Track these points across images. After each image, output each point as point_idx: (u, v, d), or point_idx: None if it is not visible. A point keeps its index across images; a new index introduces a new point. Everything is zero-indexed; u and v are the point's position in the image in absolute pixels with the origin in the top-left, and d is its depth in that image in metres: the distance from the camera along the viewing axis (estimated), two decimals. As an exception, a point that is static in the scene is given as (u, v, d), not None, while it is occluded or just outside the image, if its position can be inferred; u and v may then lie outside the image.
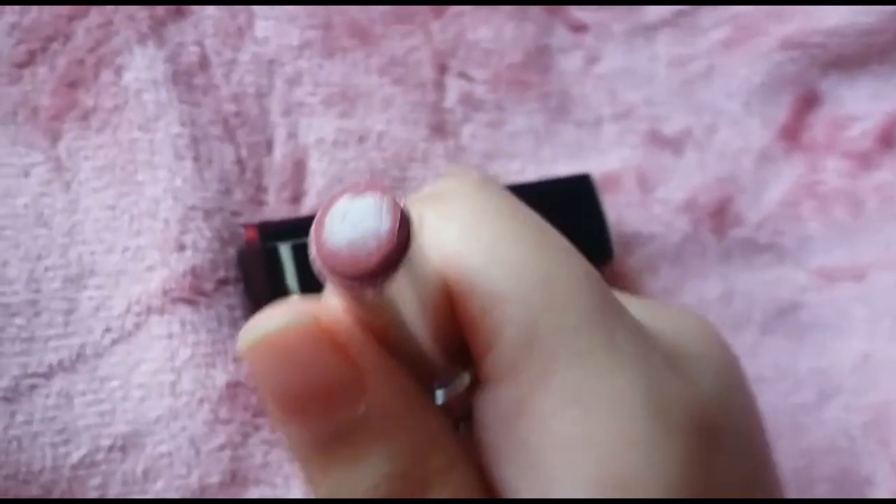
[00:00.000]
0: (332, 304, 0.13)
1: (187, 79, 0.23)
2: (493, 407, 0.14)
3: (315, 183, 0.23)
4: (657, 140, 0.26)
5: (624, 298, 0.15)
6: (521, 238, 0.13)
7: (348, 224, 0.11)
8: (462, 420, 0.14)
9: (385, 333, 0.13)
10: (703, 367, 0.14)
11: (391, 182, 0.24)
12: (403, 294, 0.12)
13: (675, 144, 0.26)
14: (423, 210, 0.14)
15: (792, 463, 0.25)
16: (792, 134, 0.27)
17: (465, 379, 0.14)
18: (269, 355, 0.13)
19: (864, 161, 0.27)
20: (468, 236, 0.13)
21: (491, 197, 0.14)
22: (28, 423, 0.20)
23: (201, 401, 0.21)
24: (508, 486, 0.14)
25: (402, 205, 0.11)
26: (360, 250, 0.11)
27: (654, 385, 0.13)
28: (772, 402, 0.25)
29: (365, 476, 0.13)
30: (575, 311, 0.13)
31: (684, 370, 0.14)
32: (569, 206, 0.23)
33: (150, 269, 0.21)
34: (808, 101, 0.27)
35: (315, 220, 0.11)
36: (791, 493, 0.25)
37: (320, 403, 0.13)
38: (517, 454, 0.13)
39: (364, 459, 0.13)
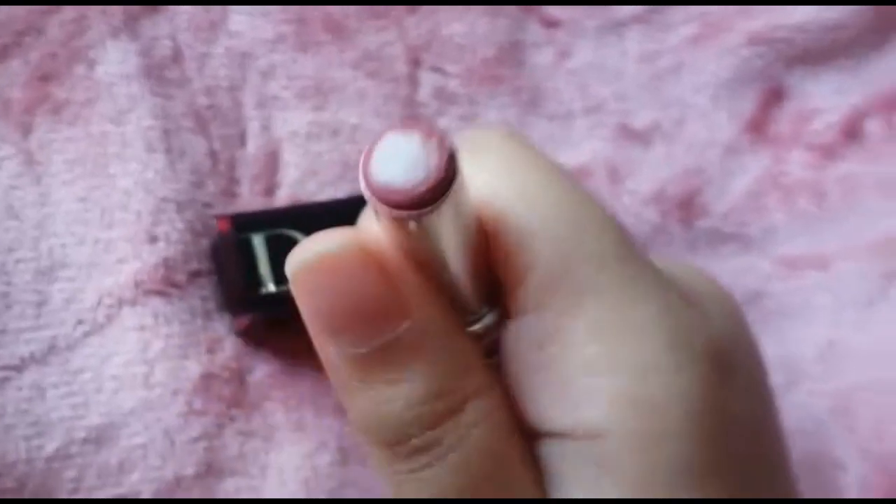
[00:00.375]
0: (375, 233, 0.14)
1: (160, 72, 0.23)
2: (523, 337, 0.14)
3: (288, 175, 0.23)
4: (627, 133, 0.27)
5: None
6: (549, 181, 0.14)
7: (398, 157, 0.12)
8: (488, 357, 0.15)
9: (424, 264, 0.14)
10: (713, 306, 0.15)
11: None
12: (446, 225, 0.13)
13: (644, 137, 0.27)
14: None
15: (760, 449, 0.25)
16: (758, 127, 0.27)
17: (492, 317, 0.15)
18: (318, 275, 0.13)
19: (828, 153, 0.27)
20: (500, 180, 0.14)
21: (520, 146, 0.15)
22: (0, 415, 0.20)
23: (175, 392, 0.21)
24: (535, 410, 0.14)
25: (448, 140, 0.12)
26: (410, 181, 0.12)
27: (675, 316, 0.14)
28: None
29: (405, 392, 0.14)
30: (602, 247, 0.14)
31: (697, 307, 0.15)
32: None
33: (122, 261, 0.21)
34: (774, 95, 0.28)
35: (363, 154, 0.12)
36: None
37: (365, 322, 0.13)
38: (546, 379, 0.14)
39: (404, 376, 0.14)
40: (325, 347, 0.14)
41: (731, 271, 0.26)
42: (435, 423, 0.14)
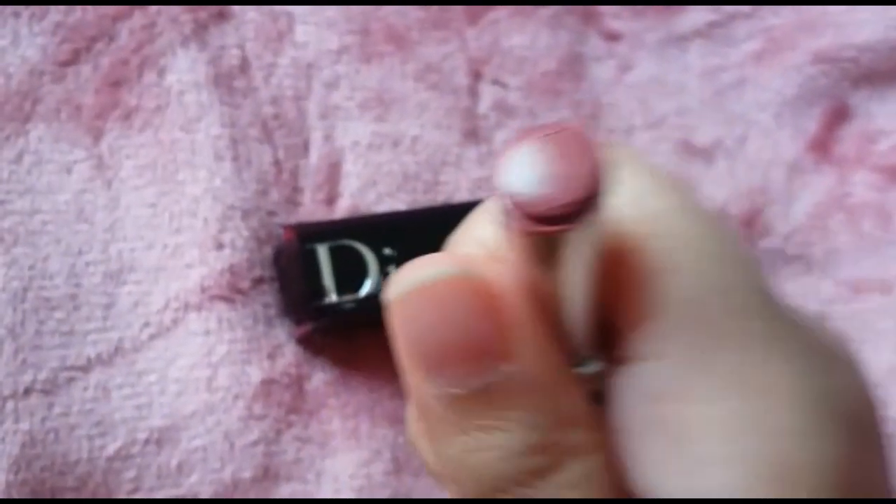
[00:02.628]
0: (483, 261, 0.13)
1: (228, 81, 0.23)
2: (639, 386, 0.13)
3: (349, 185, 0.24)
4: (688, 149, 0.26)
5: None
6: (693, 213, 0.13)
7: (537, 164, 0.11)
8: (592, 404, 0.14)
9: (541, 297, 0.12)
10: (846, 366, 0.14)
11: (424, 186, 0.24)
12: (579, 250, 0.11)
13: (706, 154, 0.26)
14: None
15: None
16: (822, 146, 0.27)
17: (597, 365, 0.14)
18: (417, 305, 0.12)
19: (894, 175, 0.27)
20: (640, 202, 0.13)
21: (651, 167, 0.13)
22: (65, 415, 0.20)
23: (236, 397, 0.21)
24: (646, 469, 0.13)
25: (595, 147, 0.11)
26: (552, 192, 0.11)
27: (814, 376, 0.13)
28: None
29: (503, 442, 0.12)
30: (743, 293, 0.12)
31: (836, 365, 0.13)
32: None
33: (189, 266, 0.22)
34: (839, 115, 0.27)
35: (502, 157, 0.11)
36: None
37: (466, 360, 0.12)
38: (663, 435, 0.13)
39: (503, 424, 0.12)
40: (419, 385, 0.13)
41: (794, 293, 0.26)
42: (531, 480, 0.13)
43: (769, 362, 0.12)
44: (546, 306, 0.12)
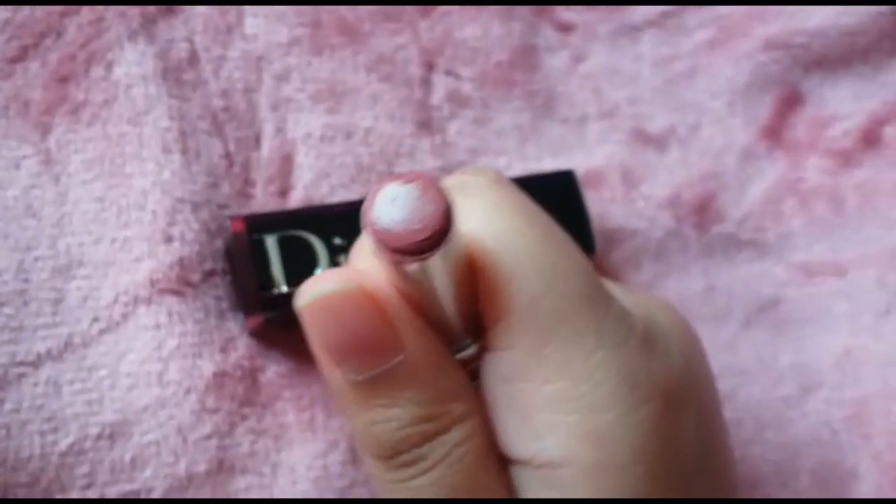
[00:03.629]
0: (371, 273, 0.16)
1: (177, 74, 0.23)
2: (496, 369, 0.16)
3: (302, 177, 0.24)
4: (641, 138, 0.27)
5: (605, 283, 0.17)
6: (529, 229, 0.16)
7: (398, 206, 0.13)
8: (472, 380, 0.17)
9: (418, 300, 0.15)
10: (671, 343, 0.17)
11: (377, 178, 0.24)
12: (439, 269, 0.14)
13: (658, 142, 0.27)
14: None
15: (775, 455, 0.25)
16: (774, 132, 0.27)
17: (474, 349, 0.17)
18: (322, 313, 0.15)
19: (846, 159, 0.27)
20: (485, 225, 0.16)
21: (505, 193, 0.16)
22: (16, 410, 0.20)
23: (188, 390, 0.21)
24: (504, 439, 0.16)
25: (445, 192, 0.13)
26: (409, 230, 0.13)
27: (628, 363, 0.16)
28: (755, 395, 0.25)
29: (399, 415, 0.16)
30: (570, 296, 0.15)
31: (655, 347, 0.16)
32: (552, 202, 0.24)
33: (138, 259, 0.22)
34: (791, 101, 0.27)
35: (366, 200, 0.14)
36: (774, 485, 0.25)
37: (364, 354, 0.15)
38: (513, 409, 0.16)
39: (398, 402, 0.15)
40: (331, 374, 0.16)
41: (747, 277, 0.26)
42: (422, 442, 0.16)
43: (593, 347, 0.15)
44: (420, 307, 0.15)
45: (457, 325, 0.16)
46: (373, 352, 0.15)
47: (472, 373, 0.17)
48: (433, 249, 0.13)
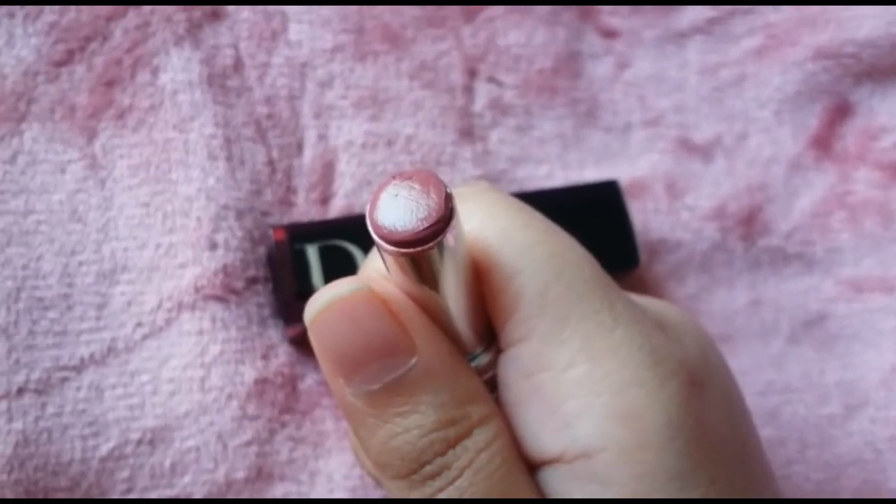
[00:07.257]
0: (382, 277, 0.15)
1: (222, 80, 0.23)
2: (513, 367, 0.16)
3: (344, 185, 0.24)
4: (686, 147, 0.26)
5: None
6: (529, 224, 0.16)
7: (400, 202, 0.13)
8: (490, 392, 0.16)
9: (427, 304, 0.15)
10: (683, 332, 0.16)
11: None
12: (446, 264, 0.14)
13: (704, 152, 0.26)
14: None
15: (818, 475, 0.24)
16: (823, 143, 0.27)
17: (487, 357, 0.16)
18: (330, 319, 0.15)
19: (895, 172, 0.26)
20: (486, 226, 0.15)
21: (501, 196, 0.16)
22: (58, 415, 0.20)
23: (230, 397, 0.21)
24: (530, 439, 0.16)
25: (444, 184, 0.13)
26: (412, 222, 0.13)
27: (649, 338, 0.15)
28: (800, 413, 0.25)
29: (419, 422, 0.15)
30: (580, 280, 0.15)
31: (669, 332, 0.16)
32: (595, 212, 0.23)
33: (182, 266, 0.22)
34: (840, 112, 0.27)
35: (370, 200, 0.14)
36: (816, 506, 0.24)
37: (375, 360, 0.15)
38: (537, 403, 0.15)
39: (415, 408, 0.15)
40: (341, 389, 0.15)
41: (794, 292, 0.25)
42: (446, 449, 0.15)
43: (611, 327, 0.15)
44: (431, 313, 0.15)
45: (469, 330, 0.16)
46: (385, 357, 0.15)
47: (488, 383, 0.16)
48: (437, 237, 0.13)
